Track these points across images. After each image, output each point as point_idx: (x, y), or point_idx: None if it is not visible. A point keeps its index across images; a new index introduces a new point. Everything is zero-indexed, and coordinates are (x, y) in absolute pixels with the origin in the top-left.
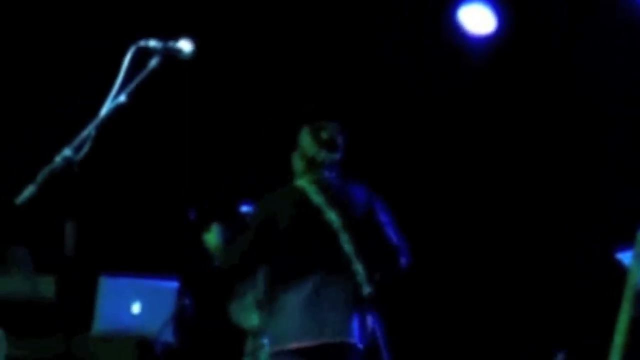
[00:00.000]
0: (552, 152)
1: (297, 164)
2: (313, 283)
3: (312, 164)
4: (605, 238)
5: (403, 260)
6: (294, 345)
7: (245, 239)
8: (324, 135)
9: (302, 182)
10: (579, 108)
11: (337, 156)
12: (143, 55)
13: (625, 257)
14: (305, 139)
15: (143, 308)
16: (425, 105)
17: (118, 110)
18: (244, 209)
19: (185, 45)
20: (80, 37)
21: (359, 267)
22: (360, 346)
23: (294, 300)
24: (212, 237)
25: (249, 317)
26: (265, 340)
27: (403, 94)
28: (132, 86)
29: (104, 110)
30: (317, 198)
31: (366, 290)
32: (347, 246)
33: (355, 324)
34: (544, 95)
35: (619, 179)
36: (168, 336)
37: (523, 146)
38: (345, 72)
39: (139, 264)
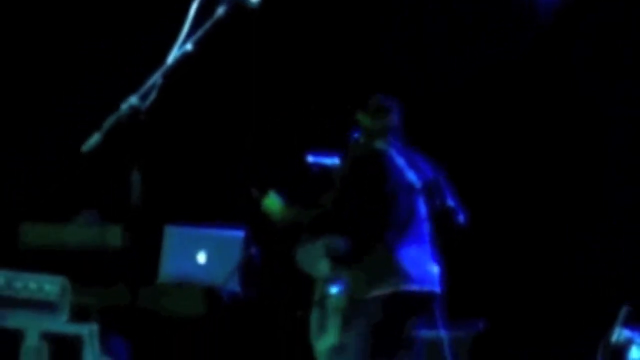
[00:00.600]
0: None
1: (363, 143)
2: (398, 238)
3: (372, 134)
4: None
5: (461, 222)
6: (377, 293)
7: (330, 197)
8: (371, 105)
9: (381, 145)
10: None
11: (390, 121)
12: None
13: None
14: (360, 117)
15: (209, 257)
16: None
17: (185, 58)
18: (311, 159)
19: None
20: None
21: (428, 226)
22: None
23: (379, 253)
24: (272, 202)
25: (318, 265)
26: (334, 290)
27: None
28: (199, 34)
29: (171, 59)
30: (399, 159)
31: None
32: (422, 206)
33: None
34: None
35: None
36: (234, 285)
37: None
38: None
39: (206, 213)
